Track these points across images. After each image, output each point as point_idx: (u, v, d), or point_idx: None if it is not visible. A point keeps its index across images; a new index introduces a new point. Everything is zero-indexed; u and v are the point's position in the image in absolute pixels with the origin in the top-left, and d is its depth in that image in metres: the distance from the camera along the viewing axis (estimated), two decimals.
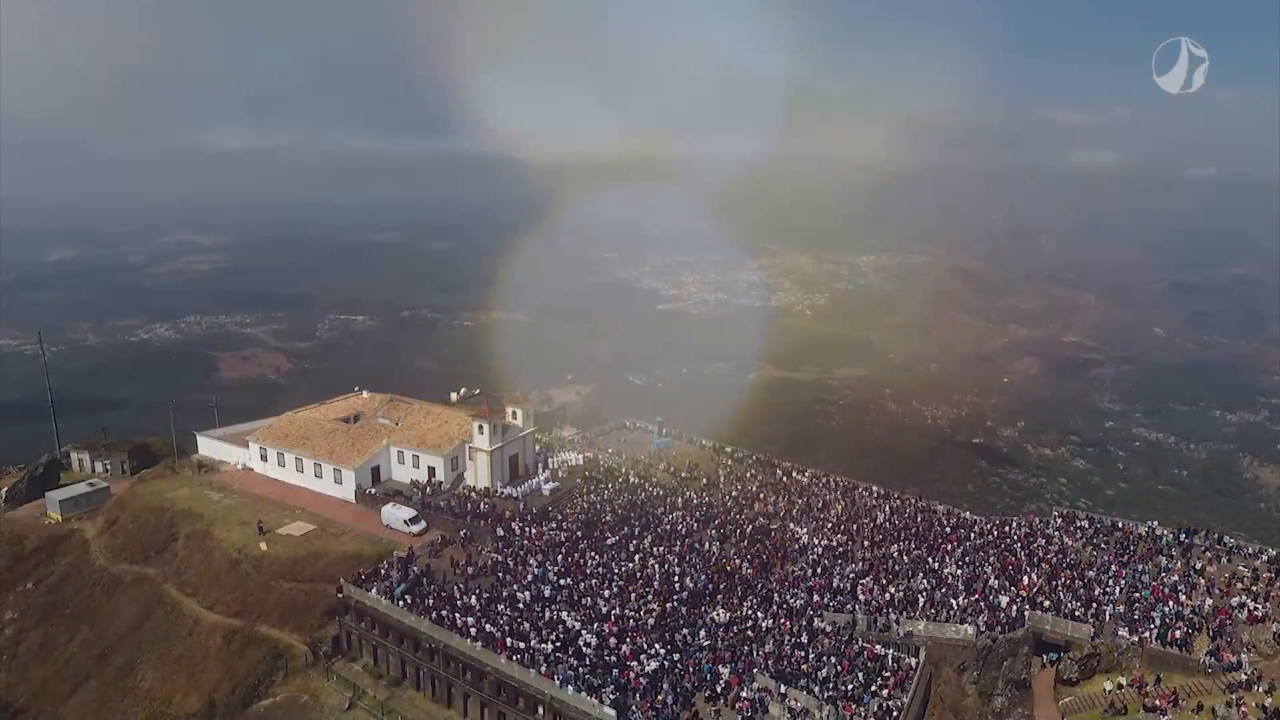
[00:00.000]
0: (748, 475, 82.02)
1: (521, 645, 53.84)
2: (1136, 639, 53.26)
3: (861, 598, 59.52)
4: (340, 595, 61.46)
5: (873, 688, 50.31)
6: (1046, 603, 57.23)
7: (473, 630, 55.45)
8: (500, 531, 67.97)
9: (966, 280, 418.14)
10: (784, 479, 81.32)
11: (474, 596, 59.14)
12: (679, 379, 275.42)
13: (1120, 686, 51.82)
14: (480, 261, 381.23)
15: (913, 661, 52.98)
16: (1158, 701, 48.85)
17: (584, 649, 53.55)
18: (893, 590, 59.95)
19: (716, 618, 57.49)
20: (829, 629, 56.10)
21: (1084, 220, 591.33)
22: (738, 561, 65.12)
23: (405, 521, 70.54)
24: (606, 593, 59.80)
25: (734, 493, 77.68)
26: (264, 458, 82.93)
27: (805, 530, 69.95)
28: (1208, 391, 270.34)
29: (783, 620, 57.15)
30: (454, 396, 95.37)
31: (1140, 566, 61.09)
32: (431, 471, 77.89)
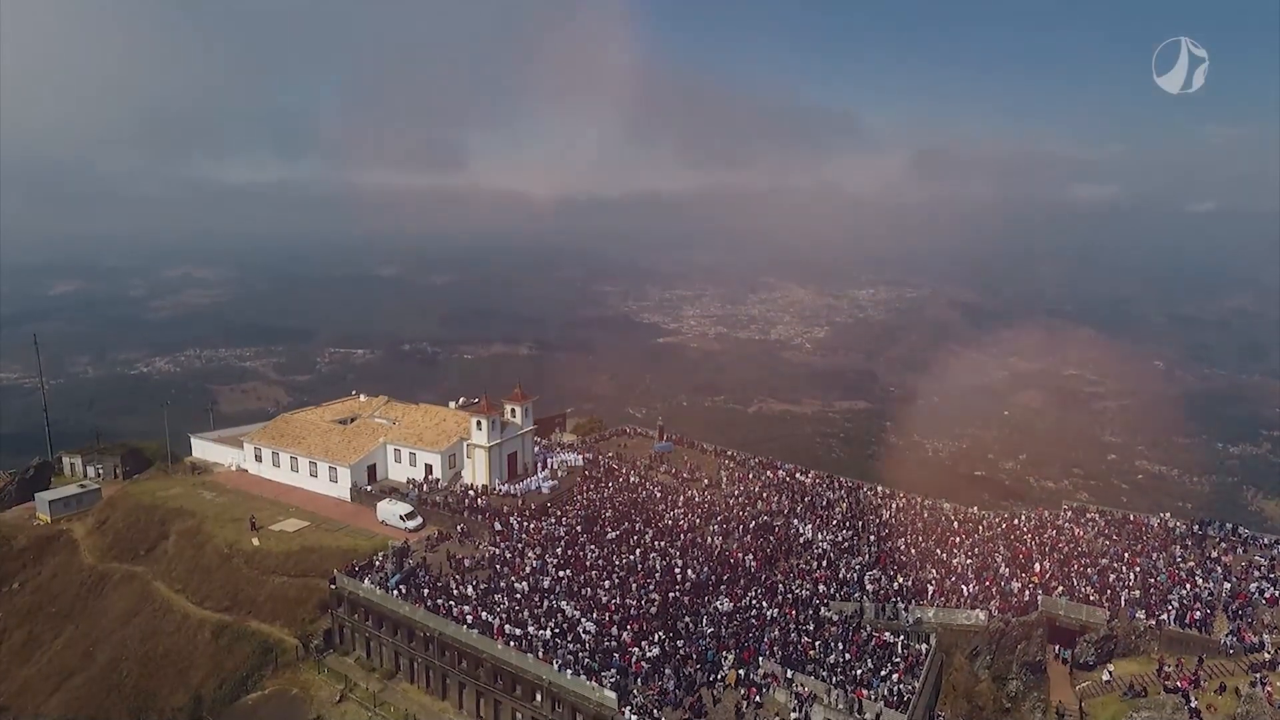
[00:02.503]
0: (750, 476, 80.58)
1: (519, 632, 52.18)
2: (1154, 621, 51.55)
3: (869, 587, 57.86)
4: (333, 586, 59.85)
5: (882, 673, 48.59)
6: (1060, 588, 55.53)
7: (469, 619, 53.82)
8: (498, 525, 66.45)
9: (966, 313, 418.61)
10: (787, 479, 79.87)
11: (471, 587, 57.53)
12: (679, 412, 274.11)
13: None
14: (481, 295, 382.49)
15: (923, 648, 51.29)
16: (1179, 684, 47.10)
17: (583, 635, 51.87)
18: (901, 580, 58.34)
19: (720, 606, 55.83)
20: (835, 617, 54.44)
21: (1083, 253, 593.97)
22: (741, 555, 63.54)
23: (401, 517, 69.19)
24: (607, 583, 58.17)
25: (736, 492, 76.23)
26: (258, 458, 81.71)
27: (810, 526, 68.37)
28: (1210, 424, 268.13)
29: (788, 610, 55.50)
30: (453, 405, 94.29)
31: (1155, 555, 59.51)
32: (429, 469, 76.56)
